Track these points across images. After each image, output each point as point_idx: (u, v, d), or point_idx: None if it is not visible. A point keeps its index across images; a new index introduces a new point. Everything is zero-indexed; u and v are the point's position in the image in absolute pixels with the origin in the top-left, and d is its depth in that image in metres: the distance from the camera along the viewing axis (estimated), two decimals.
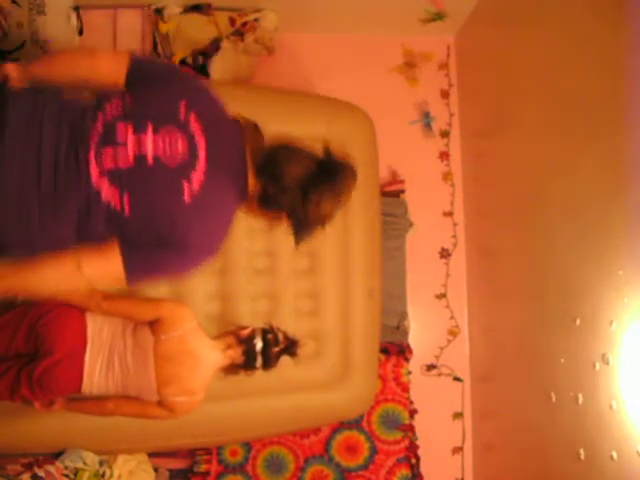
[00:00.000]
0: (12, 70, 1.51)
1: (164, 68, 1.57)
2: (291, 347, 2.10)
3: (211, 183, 1.44)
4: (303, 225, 1.51)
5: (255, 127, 2.26)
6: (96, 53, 1.53)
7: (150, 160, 1.40)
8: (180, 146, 1.42)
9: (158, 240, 1.42)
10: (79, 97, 1.53)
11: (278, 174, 1.45)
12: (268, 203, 1.51)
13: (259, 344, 2.02)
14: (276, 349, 2.05)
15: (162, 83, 1.49)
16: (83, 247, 1.42)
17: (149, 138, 1.41)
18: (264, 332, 2.06)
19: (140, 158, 1.40)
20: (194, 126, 1.45)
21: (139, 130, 1.41)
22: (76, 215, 1.39)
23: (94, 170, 1.38)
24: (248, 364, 2.03)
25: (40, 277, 1.41)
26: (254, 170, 1.51)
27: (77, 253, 1.40)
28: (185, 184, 1.41)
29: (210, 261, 1.52)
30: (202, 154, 1.43)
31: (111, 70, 1.51)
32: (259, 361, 2.02)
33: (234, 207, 1.52)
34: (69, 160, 1.37)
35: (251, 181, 1.51)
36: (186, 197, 1.40)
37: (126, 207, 1.39)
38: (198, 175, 1.42)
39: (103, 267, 1.41)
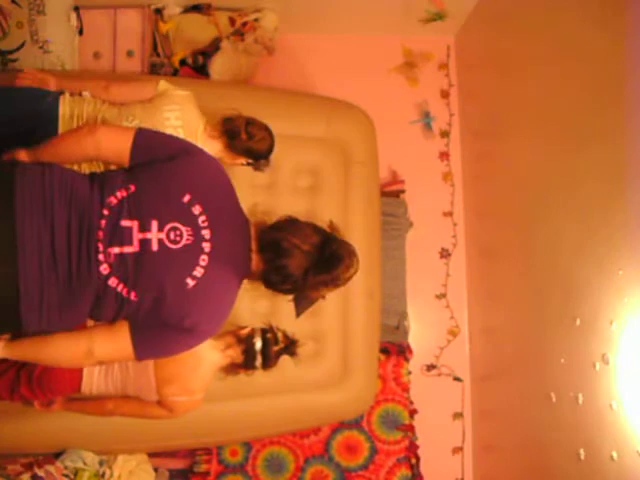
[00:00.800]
0: (23, 157, 1.56)
1: (168, 147, 1.56)
2: (291, 346, 2.10)
3: (214, 269, 1.47)
4: (303, 302, 1.58)
5: (248, 121, 2.28)
6: (97, 130, 1.52)
7: (155, 246, 1.45)
8: (185, 239, 1.46)
9: (164, 323, 1.47)
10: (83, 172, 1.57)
11: (280, 266, 1.48)
12: (271, 287, 1.55)
13: (258, 343, 2.02)
14: (275, 348, 2.05)
15: (166, 168, 1.50)
16: (95, 326, 1.52)
17: (154, 234, 1.45)
18: (263, 331, 2.06)
19: (144, 242, 1.44)
20: (199, 218, 1.48)
21: (144, 229, 1.45)
22: (89, 305, 1.45)
23: (103, 262, 1.42)
24: (248, 363, 2.03)
25: (51, 353, 1.50)
26: (258, 249, 1.54)
27: (89, 334, 1.49)
28: (189, 270, 1.45)
29: (213, 336, 1.60)
30: (207, 244, 1.47)
31: (114, 145, 1.51)
32: (259, 360, 2.02)
33: (236, 288, 1.56)
34: (80, 256, 1.41)
35: (255, 258, 1.54)
36: (190, 282, 1.44)
37: (132, 294, 1.43)
38: (202, 261, 1.46)
39: (113, 347, 1.49)
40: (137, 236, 1.44)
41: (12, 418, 2.23)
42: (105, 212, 1.44)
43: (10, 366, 1.92)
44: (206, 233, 1.47)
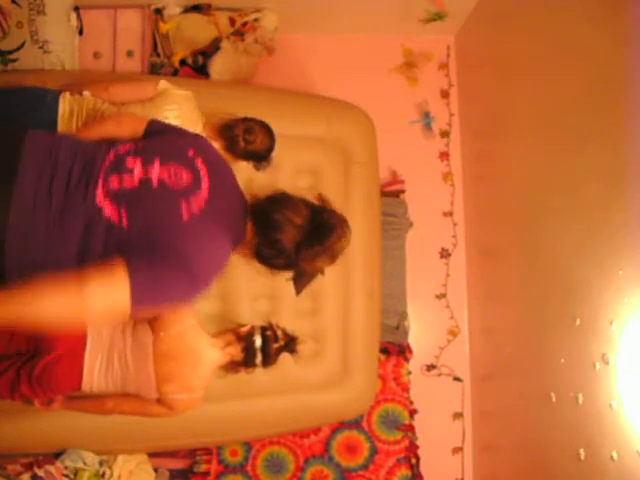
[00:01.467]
0: None
1: (176, 127, 1.76)
2: (291, 343, 2.10)
3: (210, 216, 1.48)
4: (302, 279, 1.60)
5: (246, 128, 2.30)
6: (122, 120, 1.74)
7: (155, 182, 1.48)
8: (185, 177, 1.50)
9: (156, 250, 1.39)
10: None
11: (273, 239, 1.50)
12: (264, 262, 1.57)
13: (258, 341, 2.02)
14: (275, 346, 2.05)
15: (173, 135, 1.65)
16: (85, 269, 1.35)
17: (155, 168, 1.49)
18: (263, 329, 2.06)
19: (145, 181, 1.47)
20: (200, 167, 1.53)
21: (147, 162, 1.50)
22: (79, 236, 1.41)
23: (99, 193, 1.44)
24: (248, 361, 2.03)
25: (38, 304, 1.28)
26: (252, 217, 1.58)
27: (80, 274, 1.32)
28: (185, 204, 1.46)
29: (206, 288, 1.48)
30: (205, 186, 1.51)
31: (133, 129, 1.68)
32: (259, 358, 2.02)
33: (230, 247, 1.55)
34: (78, 187, 1.43)
35: (249, 227, 1.57)
36: (185, 215, 1.45)
37: (124, 220, 1.42)
38: (199, 200, 1.48)
39: (108, 286, 1.32)
40: (139, 173, 1.47)
41: (12, 418, 2.23)
42: (111, 157, 1.50)
43: (11, 365, 1.92)
44: (205, 183, 1.51)
